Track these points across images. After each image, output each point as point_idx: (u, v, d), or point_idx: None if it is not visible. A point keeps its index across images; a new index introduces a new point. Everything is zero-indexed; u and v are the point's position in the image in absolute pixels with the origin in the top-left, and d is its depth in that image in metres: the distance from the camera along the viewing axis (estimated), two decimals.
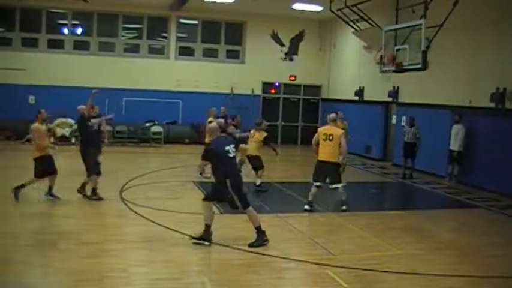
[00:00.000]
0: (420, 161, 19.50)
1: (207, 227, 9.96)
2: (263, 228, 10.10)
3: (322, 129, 13.42)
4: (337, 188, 13.27)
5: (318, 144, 13.32)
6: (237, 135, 14.81)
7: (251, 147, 15.48)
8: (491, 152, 16.84)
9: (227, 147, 9.99)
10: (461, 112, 18.03)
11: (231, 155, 10.04)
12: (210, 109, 18.59)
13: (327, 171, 13.21)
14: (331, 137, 13.08)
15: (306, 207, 13.25)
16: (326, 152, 13.16)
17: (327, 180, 13.23)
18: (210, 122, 16.16)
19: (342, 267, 8.90)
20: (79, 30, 27.90)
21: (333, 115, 13.71)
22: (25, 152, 21.39)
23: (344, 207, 13.28)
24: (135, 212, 12.19)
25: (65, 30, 27.47)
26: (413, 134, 18.82)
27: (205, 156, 10.62)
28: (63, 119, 24.78)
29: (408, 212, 13.62)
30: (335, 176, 13.23)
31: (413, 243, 10.78)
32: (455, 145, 17.94)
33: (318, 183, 13.29)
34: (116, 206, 12.74)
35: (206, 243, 9.80)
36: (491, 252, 10.52)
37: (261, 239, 9.98)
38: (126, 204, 12.89)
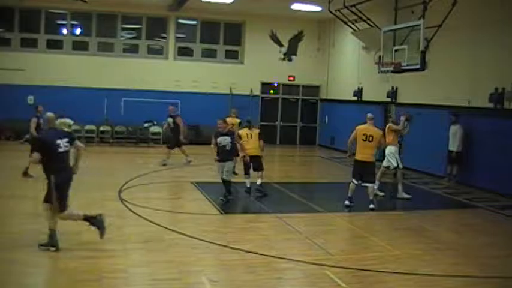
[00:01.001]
0: (419, 161, 19.52)
1: (51, 231, 9.34)
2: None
3: (361, 129, 13.62)
4: (368, 186, 13.67)
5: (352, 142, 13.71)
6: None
7: (253, 146, 15.07)
8: (490, 152, 16.83)
9: (58, 141, 9.39)
10: (457, 113, 18.08)
11: (61, 150, 9.42)
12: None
13: (365, 170, 13.57)
14: (371, 138, 13.40)
15: (347, 202, 13.62)
16: (366, 153, 13.48)
17: (363, 178, 13.64)
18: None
19: (340, 267, 8.91)
20: (78, 31, 27.89)
21: (371, 114, 14.05)
22: (25, 153, 21.44)
23: (372, 206, 13.53)
24: (134, 213, 12.19)
25: (64, 31, 27.44)
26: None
27: (33, 147, 9.87)
28: (62, 119, 24.70)
29: (407, 213, 13.63)
30: (372, 176, 13.71)
31: (413, 243, 10.78)
32: (453, 145, 17.98)
33: (356, 182, 13.68)
34: (114, 206, 12.72)
35: (52, 248, 9.16)
36: (491, 252, 10.52)
37: (51, 241, 9.27)
38: (125, 205, 12.89)
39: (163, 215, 12.10)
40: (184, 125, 20.58)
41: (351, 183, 13.67)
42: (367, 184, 13.63)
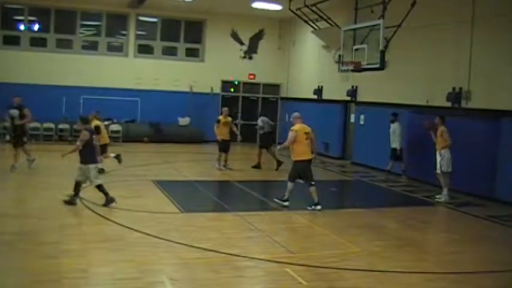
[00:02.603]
0: (376, 159, 19.76)
1: None
2: None
3: (301, 128, 13.43)
4: (312, 186, 13.49)
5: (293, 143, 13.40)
6: None
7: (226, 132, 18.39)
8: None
9: None
10: (396, 112, 18.76)
11: None
12: None
13: (308, 169, 13.48)
14: (308, 135, 13.38)
15: (287, 204, 13.46)
16: (309, 151, 13.45)
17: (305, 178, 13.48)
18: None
19: (301, 265, 8.95)
20: (36, 27, 27.49)
21: (297, 113, 13.90)
22: None
23: (320, 207, 13.43)
24: (94, 212, 12.08)
25: (21, 27, 27.03)
26: None
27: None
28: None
29: (368, 210, 13.75)
30: (311, 174, 13.54)
31: (373, 240, 10.89)
32: (394, 143, 18.69)
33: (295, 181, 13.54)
34: (74, 206, 12.57)
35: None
36: (449, 248, 10.73)
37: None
38: (84, 204, 12.74)
39: (124, 214, 12.00)
40: (31, 119, 18.99)
41: (290, 184, 13.42)
42: (310, 182, 13.44)
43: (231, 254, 9.39)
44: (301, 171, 13.36)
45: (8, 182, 15.21)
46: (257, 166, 20.18)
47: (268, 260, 9.18)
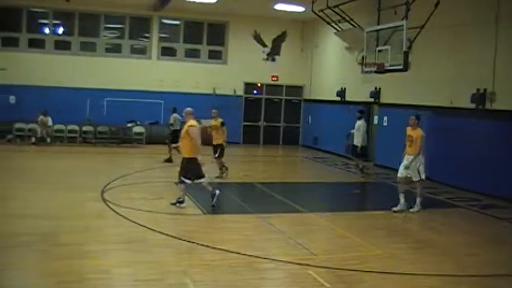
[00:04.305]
0: (399, 161, 19.63)
1: None
2: None
3: (196, 124, 13.23)
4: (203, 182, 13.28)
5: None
6: None
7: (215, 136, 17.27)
8: (471, 152, 16.95)
9: None
10: (363, 109, 19.34)
11: None
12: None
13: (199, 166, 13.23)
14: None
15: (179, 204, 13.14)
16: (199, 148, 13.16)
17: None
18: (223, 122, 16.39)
19: (323, 267, 8.92)
20: (60, 30, 27.75)
21: (190, 109, 13.59)
22: (6, 153, 21.36)
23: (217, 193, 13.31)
24: (117, 213, 12.14)
25: (46, 30, 27.31)
26: None
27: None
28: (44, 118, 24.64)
29: (389, 212, 13.66)
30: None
31: (394, 242, 10.84)
32: (357, 140, 19.02)
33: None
34: (97, 207, 12.68)
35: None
36: (469, 251, 10.60)
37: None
38: (107, 205, 12.83)
39: (146, 216, 12.06)
40: None
41: (182, 184, 13.18)
42: (201, 180, 13.21)
43: (252, 256, 9.39)
44: (196, 168, 13.10)
45: (32, 183, 15.35)
46: (169, 160, 20.36)
47: (290, 262, 9.16)
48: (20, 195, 13.62)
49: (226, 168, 17.78)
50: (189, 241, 10.12)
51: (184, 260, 9.21)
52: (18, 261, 8.73)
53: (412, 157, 13.73)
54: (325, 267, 8.94)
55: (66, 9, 25.88)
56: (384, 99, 22.12)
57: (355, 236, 11.16)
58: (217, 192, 13.22)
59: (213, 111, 18.26)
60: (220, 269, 8.72)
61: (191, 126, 12.94)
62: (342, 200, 13.62)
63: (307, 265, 8.97)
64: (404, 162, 13.95)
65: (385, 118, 21.85)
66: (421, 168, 13.78)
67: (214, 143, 17.79)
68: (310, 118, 29.16)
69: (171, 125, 20.78)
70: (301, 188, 17.57)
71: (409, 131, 14.00)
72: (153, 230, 10.77)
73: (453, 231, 12.22)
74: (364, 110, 18.84)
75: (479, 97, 16.64)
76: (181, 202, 13.08)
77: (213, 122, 17.90)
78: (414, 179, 13.84)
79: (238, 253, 9.52)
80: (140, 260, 8.96)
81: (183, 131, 13.19)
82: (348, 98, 25.01)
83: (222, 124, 17.66)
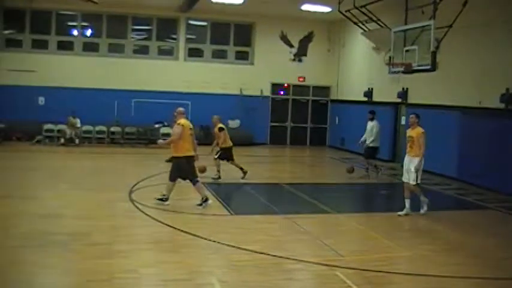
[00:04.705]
0: (427, 162, 19.49)
1: None
2: None
3: (186, 124, 13.14)
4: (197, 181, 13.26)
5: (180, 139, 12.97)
6: None
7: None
8: (498, 153, 16.79)
9: None
10: (373, 110, 18.96)
11: None
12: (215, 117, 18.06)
13: (191, 166, 13.25)
14: (191, 131, 13.23)
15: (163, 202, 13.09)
16: (191, 148, 13.22)
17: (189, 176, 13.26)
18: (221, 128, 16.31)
19: (351, 268, 8.88)
20: (88, 32, 28.05)
21: (181, 108, 13.67)
22: (36, 153, 21.64)
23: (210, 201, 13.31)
24: (145, 213, 12.22)
25: (75, 32, 27.62)
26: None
27: None
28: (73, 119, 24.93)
29: (418, 213, 13.55)
30: (195, 170, 13.38)
31: (423, 244, 10.76)
32: (370, 141, 18.65)
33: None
34: (125, 207, 12.78)
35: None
36: (500, 253, 10.48)
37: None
38: (135, 205, 12.93)
39: (174, 216, 12.13)
40: None
41: (171, 184, 13.14)
42: (196, 180, 13.23)
43: (280, 257, 9.38)
44: (184, 168, 13.04)
45: (63, 183, 15.51)
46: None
47: (318, 263, 9.13)
48: (52, 196, 13.77)
49: (246, 172, 17.64)
50: (216, 241, 10.14)
51: (211, 260, 9.24)
52: (50, 260, 8.84)
53: (416, 160, 13.09)
54: (353, 268, 8.90)
55: (94, 11, 26.09)
56: (411, 99, 21.97)
57: (383, 237, 11.11)
58: (210, 201, 13.20)
59: (214, 117, 18.15)
60: (247, 270, 8.73)
61: (177, 124, 13.00)
62: (370, 200, 13.56)
63: (335, 266, 8.94)
64: (410, 166, 13.20)
65: None
66: (420, 172, 13.17)
67: (222, 146, 17.59)
68: (337, 119, 29.07)
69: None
70: (329, 189, 17.51)
71: (409, 131, 13.45)
72: (180, 230, 10.82)
73: (483, 233, 12.09)
74: (374, 110, 18.63)
75: (509, 97, 16.46)
76: (166, 200, 13.05)
77: (215, 129, 17.74)
78: (411, 182, 13.13)
79: (266, 254, 9.51)
80: (168, 260, 9.02)
81: (188, 130, 13.19)
82: (375, 99, 24.90)
83: (220, 129, 17.49)
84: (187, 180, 13.25)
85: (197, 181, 13.20)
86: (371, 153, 18.88)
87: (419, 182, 13.19)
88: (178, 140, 12.86)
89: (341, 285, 8.17)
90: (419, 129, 13.21)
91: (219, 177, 17.11)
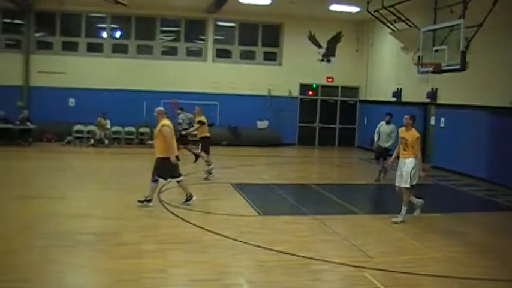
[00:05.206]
0: (457, 163, 19.35)
1: None
2: None
3: (170, 123, 13.21)
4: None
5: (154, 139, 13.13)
6: None
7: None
8: None
9: None
10: (391, 112, 18.35)
11: None
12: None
13: (177, 165, 13.24)
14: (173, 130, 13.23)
15: (147, 203, 13.00)
16: (175, 148, 13.26)
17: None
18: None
19: (379, 269, 8.84)
20: (117, 34, 28.30)
21: (162, 108, 13.67)
22: (66, 154, 21.88)
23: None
24: (173, 214, 12.28)
25: (104, 34, 27.88)
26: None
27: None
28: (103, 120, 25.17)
29: (446, 215, 13.44)
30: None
31: (452, 246, 10.65)
32: (387, 143, 17.81)
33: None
34: (153, 208, 12.84)
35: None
36: None
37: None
38: (164, 206, 12.99)
39: (202, 216, 12.19)
40: None
41: (154, 183, 13.06)
42: (177, 179, 13.26)
43: (307, 257, 9.37)
44: (170, 167, 13.02)
45: (93, 184, 15.66)
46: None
47: (346, 264, 9.10)
48: (82, 196, 13.89)
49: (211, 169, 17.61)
50: (243, 242, 10.17)
51: (239, 260, 9.26)
52: (79, 259, 8.96)
53: (410, 161, 12.15)
54: (381, 269, 8.85)
55: (123, 13, 26.28)
56: (440, 99, 21.78)
57: (411, 238, 11.03)
58: (194, 198, 13.21)
59: (197, 108, 18.32)
60: (274, 270, 8.73)
61: (164, 125, 12.96)
62: (398, 202, 13.39)
63: (363, 267, 8.90)
64: (403, 168, 12.26)
65: (442, 119, 21.51)
66: (414, 174, 12.20)
67: (200, 136, 17.77)
68: (366, 119, 28.94)
69: (180, 124, 20.82)
70: (357, 190, 17.44)
71: (403, 132, 12.49)
72: (208, 231, 10.86)
73: None
74: (392, 113, 18.24)
75: None
76: (149, 201, 12.98)
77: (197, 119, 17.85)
78: (402, 185, 12.30)
79: (293, 254, 9.50)
80: (195, 260, 9.05)
81: (156, 130, 13.21)
82: (404, 99, 24.74)
83: (200, 122, 17.64)
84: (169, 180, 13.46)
85: (155, 181, 13.11)
86: (386, 155, 18.46)
87: (413, 184, 12.26)
88: (168, 140, 12.90)
89: (369, 286, 8.14)
90: (415, 133, 12.31)
91: (212, 168, 17.42)
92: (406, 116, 12.63)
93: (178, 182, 13.28)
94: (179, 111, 21.56)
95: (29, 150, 23.16)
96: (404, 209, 12.30)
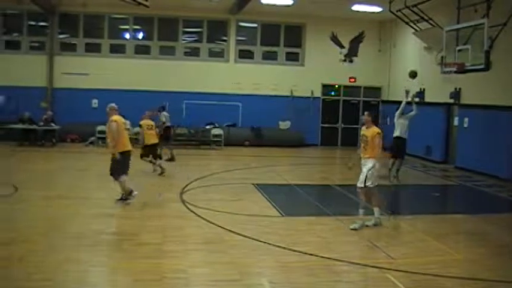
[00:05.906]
0: (481, 164, 19.17)
1: None
2: None
3: (120, 119, 13.16)
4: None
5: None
6: None
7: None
8: None
9: None
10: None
11: None
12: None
13: (128, 162, 13.27)
14: (125, 125, 13.48)
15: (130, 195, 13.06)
16: (129, 143, 13.29)
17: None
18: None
19: (402, 271, 8.79)
20: (140, 35, 28.45)
21: (114, 104, 13.39)
22: (88, 154, 22.03)
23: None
24: (196, 214, 12.32)
25: (127, 35, 28.04)
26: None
27: None
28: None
29: (470, 216, 13.32)
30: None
31: (475, 247, 10.57)
32: (403, 133, 18.19)
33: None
34: (176, 208, 12.91)
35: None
36: None
37: None
38: (186, 206, 13.04)
39: (224, 217, 12.18)
40: None
41: (125, 177, 13.08)
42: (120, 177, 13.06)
43: (330, 258, 9.35)
44: (127, 162, 13.05)
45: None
46: (171, 159, 20.48)
47: (368, 265, 9.08)
48: (104, 196, 13.95)
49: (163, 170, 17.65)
50: (266, 242, 10.17)
51: (261, 261, 9.25)
52: (102, 259, 9.03)
53: (370, 161, 11.71)
54: (404, 271, 8.80)
55: (145, 14, 26.39)
56: (464, 99, 21.59)
57: (435, 239, 10.95)
58: (135, 193, 13.11)
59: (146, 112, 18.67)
60: (296, 271, 8.72)
61: (112, 121, 12.94)
62: (421, 202, 13.37)
63: (386, 269, 8.86)
64: (363, 168, 11.83)
65: (466, 119, 21.33)
66: (370, 174, 11.73)
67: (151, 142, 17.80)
68: (388, 119, 28.75)
69: (163, 122, 20.85)
70: (380, 191, 17.33)
71: (363, 130, 11.99)
72: (231, 231, 10.87)
73: None
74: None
75: None
76: (130, 193, 13.03)
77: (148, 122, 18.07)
78: (358, 184, 11.90)
79: (315, 255, 9.49)
80: (217, 260, 9.07)
81: (107, 126, 13.24)
82: (427, 99, 24.54)
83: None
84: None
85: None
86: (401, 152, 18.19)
87: (369, 185, 11.74)
88: (118, 137, 12.88)
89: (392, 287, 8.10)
90: (375, 129, 11.72)
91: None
92: (365, 113, 12.21)
93: (116, 179, 13.12)
94: (158, 112, 21.41)
95: (53, 150, 23.38)
96: (377, 209, 11.88)
